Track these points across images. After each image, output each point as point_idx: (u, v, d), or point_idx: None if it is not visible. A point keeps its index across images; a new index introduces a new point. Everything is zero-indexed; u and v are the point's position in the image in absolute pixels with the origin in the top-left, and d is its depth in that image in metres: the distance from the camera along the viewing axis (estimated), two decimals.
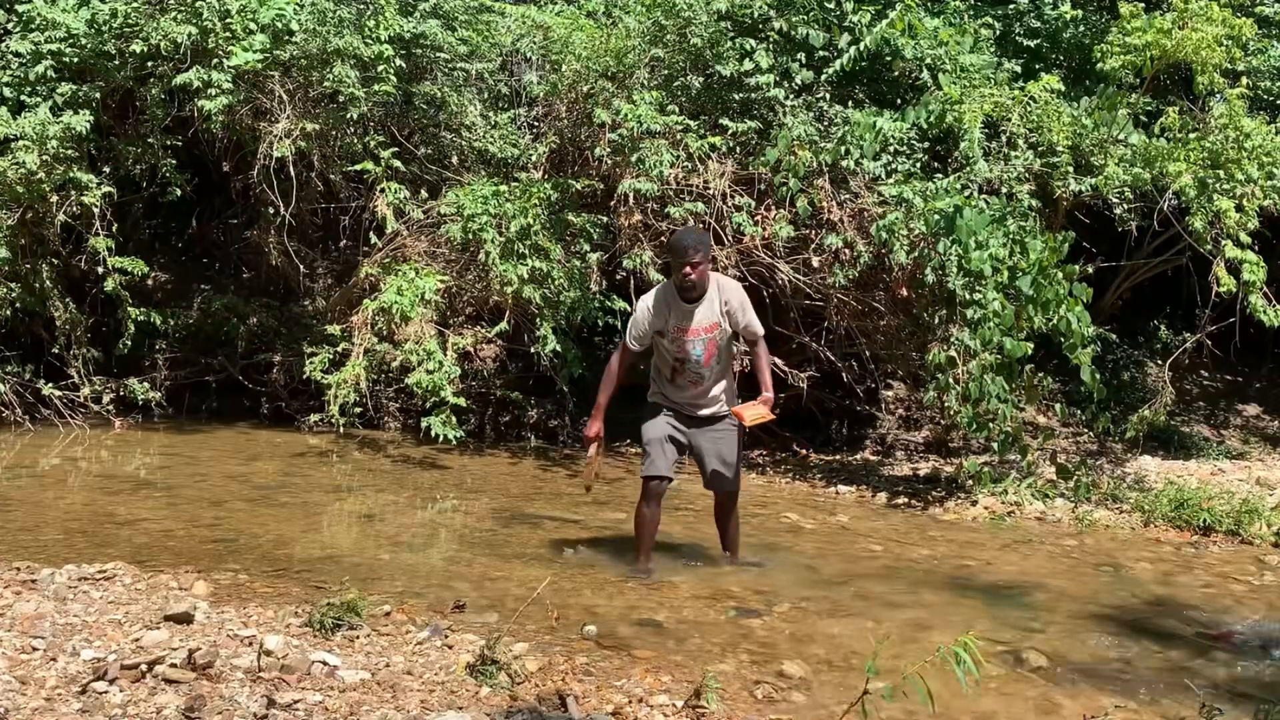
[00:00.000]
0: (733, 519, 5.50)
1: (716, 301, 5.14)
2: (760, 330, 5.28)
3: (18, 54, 8.14)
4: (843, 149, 8.04)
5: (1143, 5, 8.87)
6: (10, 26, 8.22)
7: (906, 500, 7.57)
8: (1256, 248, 8.25)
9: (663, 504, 5.28)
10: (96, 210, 8.24)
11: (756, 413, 5.13)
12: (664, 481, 5.21)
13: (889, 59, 8.64)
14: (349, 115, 8.67)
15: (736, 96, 8.61)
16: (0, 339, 8.46)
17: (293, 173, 8.68)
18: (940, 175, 8.17)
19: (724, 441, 5.30)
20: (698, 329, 5.12)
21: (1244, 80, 8.82)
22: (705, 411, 5.29)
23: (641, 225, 8.35)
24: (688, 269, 5.00)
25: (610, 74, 8.64)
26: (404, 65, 9.05)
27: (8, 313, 8.30)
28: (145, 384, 8.70)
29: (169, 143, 8.68)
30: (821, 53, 8.60)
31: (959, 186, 7.82)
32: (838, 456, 9.17)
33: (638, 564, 5.24)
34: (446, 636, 3.82)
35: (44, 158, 7.87)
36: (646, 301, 5.24)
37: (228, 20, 8.14)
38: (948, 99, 8.11)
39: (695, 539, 5.98)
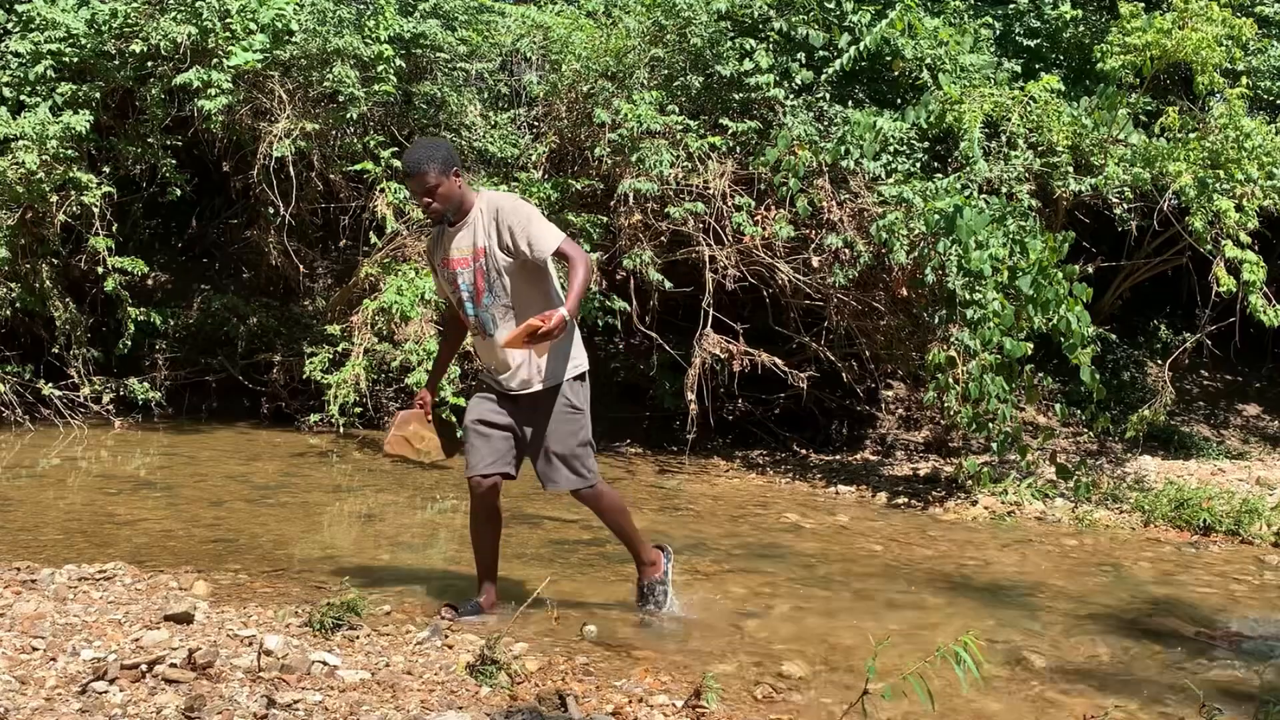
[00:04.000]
0: (606, 519, 4.39)
1: (482, 221, 4.04)
2: (552, 244, 3.95)
3: (17, 54, 8.14)
4: (842, 149, 8.05)
5: (1143, 5, 8.88)
6: (10, 26, 8.22)
7: (906, 500, 7.57)
8: (1256, 248, 8.26)
9: (499, 507, 4.31)
10: (96, 210, 8.24)
11: (526, 328, 3.78)
12: (487, 480, 4.17)
13: (889, 59, 8.64)
14: (349, 115, 8.68)
15: (736, 96, 8.61)
16: (0, 339, 8.46)
17: (292, 172, 8.69)
18: (940, 175, 8.18)
19: (555, 424, 4.12)
20: (462, 258, 4.05)
21: (1244, 80, 8.83)
22: (514, 383, 4.12)
23: (641, 225, 8.35)
24: (424, 197, 4.00)
25: (610, 74, 8.64)
26: (404, 65, 9.05)
27: (8, 312, 8.31)
28: (145, 384, 8.70)
29: (169, 142, 8.68)
30: (821, 53, 8.61)
31: (959, 186, 7.83)
32: (838, 456, 9.17)
33: (478, 595, 4.30)
34: (446, 636, 3.82)
35: (44, 158, 7.87)
36: (428, 236, 4.42)
37: (227, 20, 8.14)
38: (948, 99, 8.12)
39: (695, 538, 5.98)
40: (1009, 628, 4.67)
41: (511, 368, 4.10)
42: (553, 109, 9.19)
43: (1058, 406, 8.39)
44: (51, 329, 8.59)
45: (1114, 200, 8.77)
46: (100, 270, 8.30)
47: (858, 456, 9.19)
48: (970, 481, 7.64)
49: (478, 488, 4.18)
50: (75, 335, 8.55)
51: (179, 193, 8.77)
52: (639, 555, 4.42)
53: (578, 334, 4.20)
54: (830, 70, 8.46)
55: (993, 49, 9.01)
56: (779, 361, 8.46)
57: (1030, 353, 7.41)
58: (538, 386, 4.10)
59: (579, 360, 4.18)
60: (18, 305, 8.33)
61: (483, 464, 4.14)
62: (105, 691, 2.95)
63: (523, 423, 4.16)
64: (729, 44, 8.48)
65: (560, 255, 3.99)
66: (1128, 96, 8.65)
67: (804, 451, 9.23)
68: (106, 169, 8.65)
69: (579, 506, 6.51)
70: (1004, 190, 8.14)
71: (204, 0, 8.06)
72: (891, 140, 8.20)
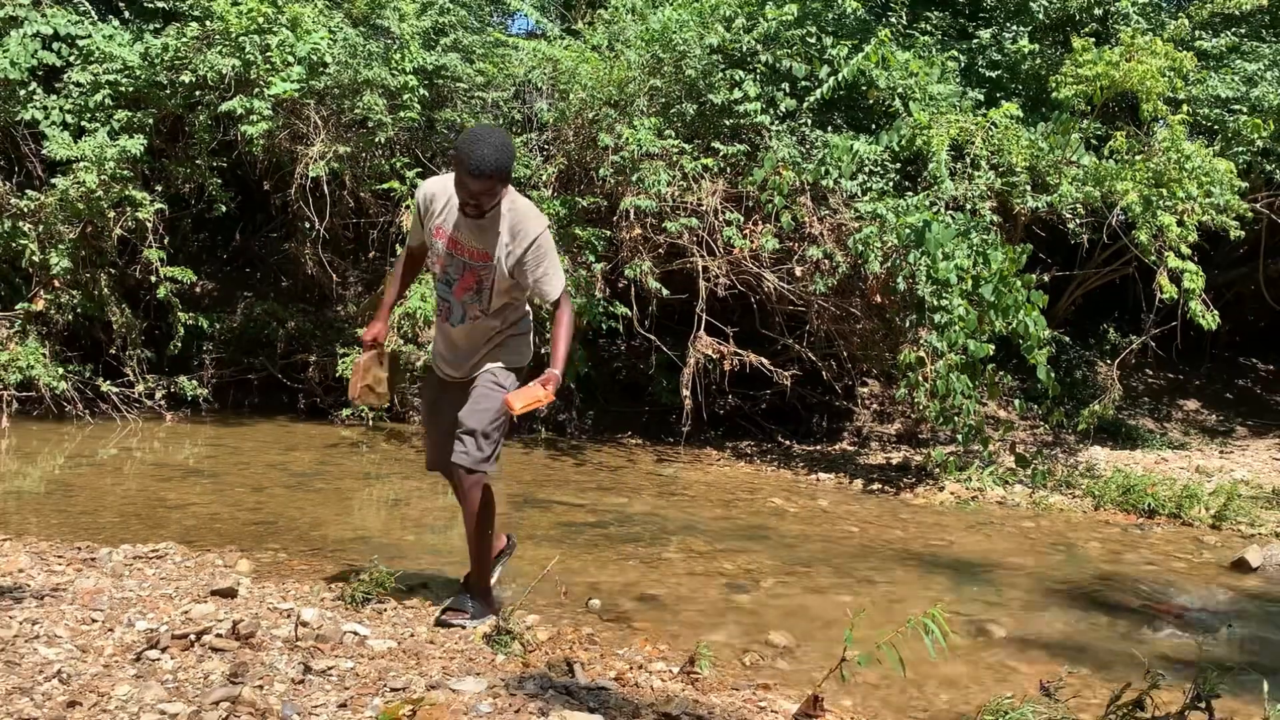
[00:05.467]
0: (467, 512, 3.65)
1: (503, 229, 3.46)
2: (556, 292, 3.52)
3: (78, 84, 8.14)
4: (823, 169, 8.05)
5: (1093, 40, 8.87)
6: (71, 59, 8.22)
7: (880, 486, 7.56)
8: (1196, 259, 8.25)
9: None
10: (150, 225, 8.24)
11: (530, 396, 3.42)
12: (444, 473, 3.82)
13: (864, 88, 8.64)
14: (377, 139, 8.68)
15: (727, 122, 8.61)
16: (63, 341, 8.47)
17: (326, 191, 8.69)
18: (911, 193, 8.17)
19: (474, 399, 3.59)
20: (467, 248, 3.52)
21: (1185, 107, 8.82)
22: (459, 374, 3.71)
23: (641, 238, 8.35)
24: (473, 195, 3.33)
25: (613, 102, 8.64)
26: (427, 94, 9.04)
27: (70, 317, 8.32)
28: (194, 381, 8.70)
29: (215, 164, 8.68)
30: (803, 83, 8.60)
31: (928, 203, 7.82)
32: (818, 447, 9.17)
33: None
34: None
35: (102, 178, 7.87)
36: (428, 184, 3.62)
37: (268, 53, 8.14)
38: (918, 124, 8.11)
39: (689, 521, 5.98)
40: (973, 601, 4.67)
41: (463, 359, 3.68)
42: (561, 134, 9.18)
43: (1017, 402, 8.39)
44: (109, 332, 8.59)
45: (1068, 216, 8.76)
46: (153, 279, 8.30)
47: (836, 447, 9.18)
48: (938, 470, 7.63)
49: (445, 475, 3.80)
50: (131, 338, 8.55)
51: (224, 209, 8.77)
52: (482, 572, 3.77)
53: (530, 337, 3.80)
54: (811, 98, 8.45)
55: (958, 79, 9.01)
56: (765, 361, 8.45)
57: (992, 353, 7.40)
58: (471, 375, 3.69)
59: (523, 358, 3.74)
60: (79, 311, 8.33)
61: (441, 462, 3.77)
62: (158, 659, 2.95)
63: (458, 403, 3.65)
64: (720, 75, 8.47)
65: (555, 305, 3.57)
66: (1080, 122, 8.64)
67: (788, 442, 9.22)
68: (159, 188, 8.64)
69: (586, 492, 6.53)
70: (968, 207, 8.14)
71: (246, 35, 8.06)
72: (867, 162, 8.20)
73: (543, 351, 4.31)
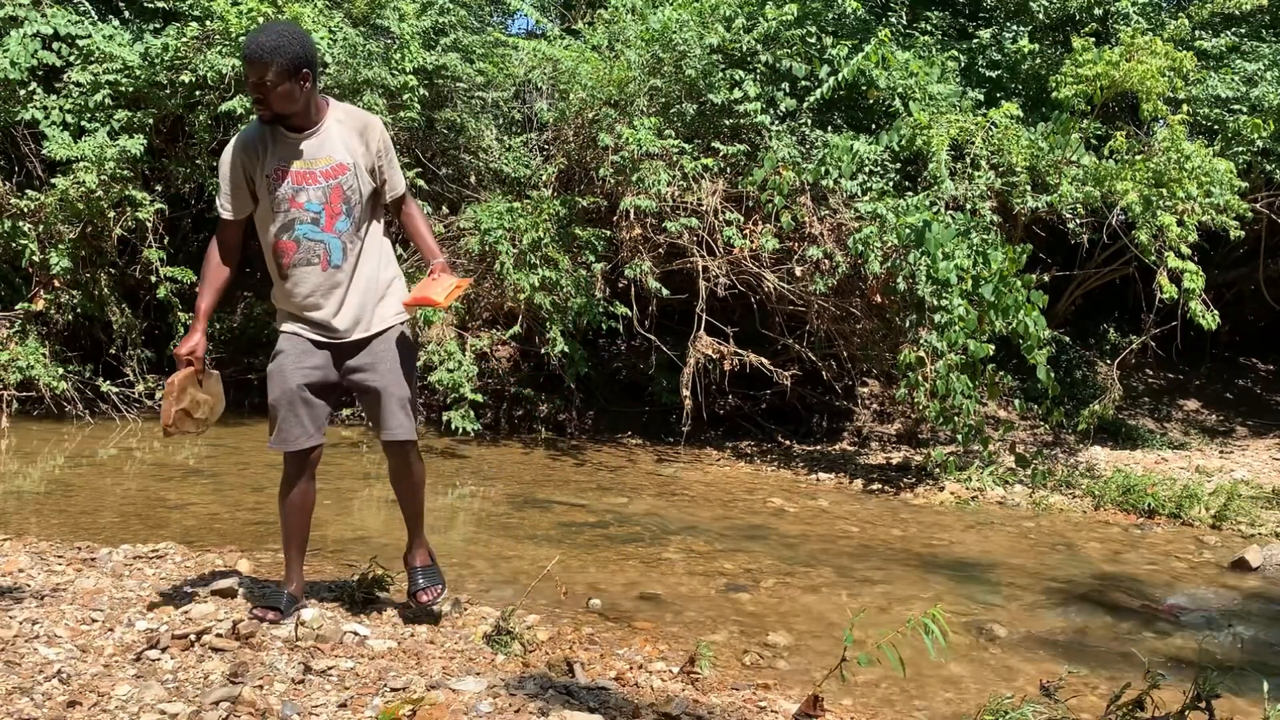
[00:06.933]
0: (412, 482, 3.48)
1: (344, 133, 3.22)
2: (403, 185, 3.39)
3: (78, 84, 8.14)
4: (823, 169, 8.05)
5: (1093, 40, 8.88)
6: (72, 59, 8.22)
7: (880, 486, 7.56)
8: (1195, 259, 8.25)
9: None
10: (149, 225, 8.24)
11: (445, 285, 3.24)
12: (305, 454, 3.37)
13: (864, 88, 8.64)
14: None
15: (727, 122, 8.61)
16: (63, 341, 8.47)
17: None
18: (910, 193, 8.17)
19: (392, 365, 3.30)
20: (312, 172, 3.17)
21: (1184, 107, 8.83)
22: (343, 324, 3.28)
23: (641, 238, 8.35)
24: (255, 89, 3.07)
25: (613, 102, 8.64)
26: (427, 94, 9.04)
27: (70, 317, 8.32)
28: None
29: (215, 164, 8.66)
30: (803, 82, 8.61)
31: (928, 203, 7.82)
32: (818, 447, 9.17)
33: (284, 582, 3.49)
34: (465, 610, 3.82)
35: (102, 178, 7.87)
36: (238, 138, 3.24)
37: None
38: (917, 124, 8.11)
39: (689, 520, 5.98)
40: (973, 601, 4.67)
41: (353, 310, 3.26)
42: (561, 133, 9.19)
43: (1017, 402, 8.39)
44: (109, 332, 8.59)
45: (1067, 216, 8.77)
46: (153, 279, 8.30)
47: (836, 447, 9.18)
48: (938, 470, 7.63)
49: (303, 458, 3.37)
50: (131, 338, 8.55)
51: None
52: (421, 534, 3.62)
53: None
54: (812, 98, 8.46)
55: (958, 79, 9.01)
56: (765, 361, 8.45)
57: (992, 353, 7.40)
58: (373, 329, 3.31)
59: (402, 299, 3.39)
60: (79, 310, 8.33)
61: (306, 438, 3.33)
62: (158, 659, 2.95)
63: (344, 372, 3.33)
64: (720, 75, 8.47)
65: (401, 200, 3.38)
66: (1080, 122, 8.64)
67: (788, 442, 9.22)
68: (159, 188, 8.64)
69: (585, 492, 6.52)
70: (968, 207, 8.14)
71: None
72: (867, 161, 8.20)
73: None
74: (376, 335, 3.32)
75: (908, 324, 7.84)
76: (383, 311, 3.33)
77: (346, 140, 3.22)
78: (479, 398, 8.16)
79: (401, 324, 3.37)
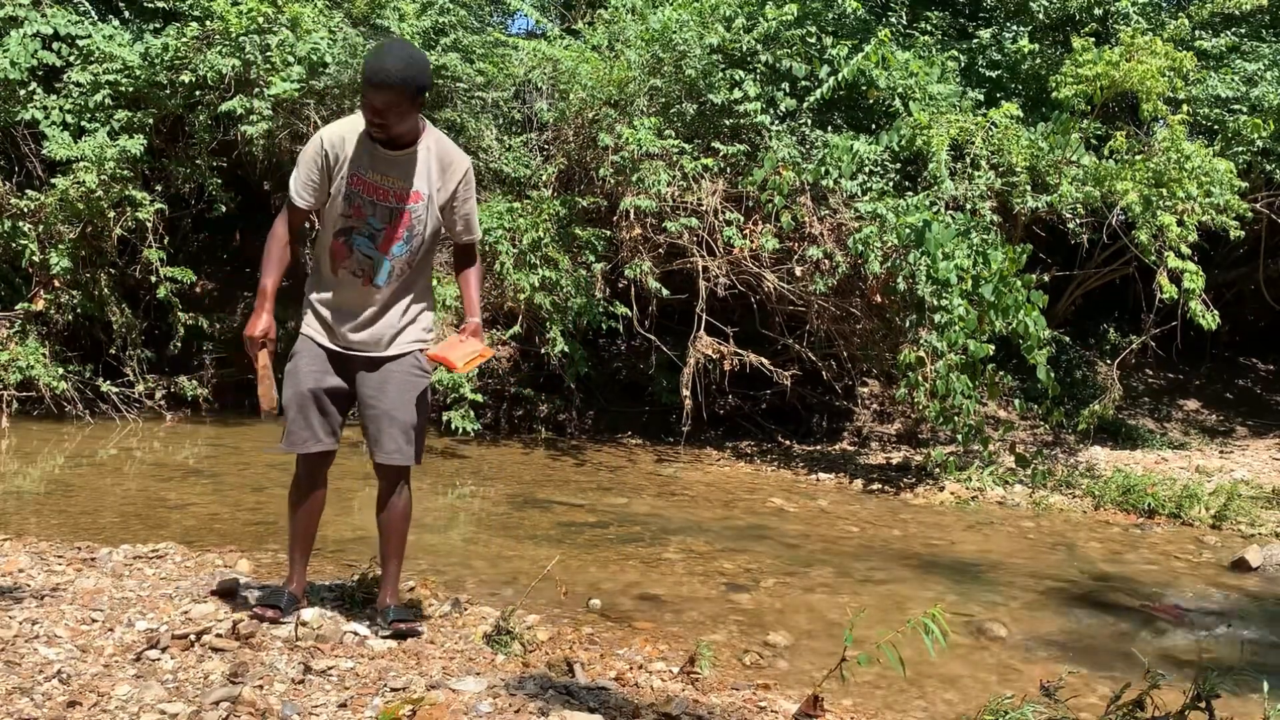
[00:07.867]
0: (396, 513, 3.36)
1: (430, 163, 3.17)
2: (478, 234, 3.37)
3: (78, 84, 8.14)
4: (823, 169, 8.05)
5: (1093, 40, 8.88)
6: (71, 59, 8.22)
7: (880, 486, 7.56)
8: (1195, 259, 8.25)
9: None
10: (150, 225, 8.24)
11: (469, 350, 3.21)
12: (319, 458, 3.31)
13: (864, 88, 8.65)
14: None
15: (727, 122, 8.61)
16: (63, 341, 8.47)
17: None
18: (910, 193, 8.18)
19: (401, 389, 3.23)
20: (387, 190, 3.14)
21: (1184, 107, 8.83)
22: (361, 336, 3.23)
23: (641, 238, 8.35)
24: (376, 112, 3.00)
25: (613, 102, 8.64)
26: (427, 94, 9.04)
27: (70, 317, 8.32)
28: (194, 381, 8.71)
29: (215, 164, 8.67)
30: (803, 83, 8.61)
31: (928, 203, 7.82)
32: (818, 447, 9.17)
33: (285, 581, 3.47)
34: (465, 610, 3.82)
35: (102, 178, 7.87)
36: (330, 130, 3.17)
37: (267, 53, 8.14)
38: (917, 124, 8.11)
39: (690, 521, 5.98)
40: (973, 601, 4.67)
41: (381, 329, 3.22)
42: (561, 133, 9.19)
43: (1016, 402, 8.39)
44: (109, 332, 8.59)
45: (1067, 216, 8.77)
46: (153, 279, 8.30)
47: (836, 447, 9.18)
48: (938, 469, 7.63)
49: (313, 462, 3.32)
50: (131, 338, 8.55)
51: (224, 209, 8.76)
52: (397, 578, 3.45)
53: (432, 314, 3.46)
54: (812, 98, 8.46)
55: (958, 79, 9.01)
56: (765, 361, 8.45)
57: (992, 353, 7.40)
58: (390, 352, 3.26)
59: (429, 333, 3.35)
60: (79, 311, 8.33)
61: (314, 442, 3.26)
62: (158, 659, 2.95)
63: (354, 385, 3.28)
64: (720, 75, 8.47)
65: (468, 247, 3.35)
66: (1080, 122, 8.64)
67: (788, 442, 9.22)
68: (159, 188, 8.64)
69: (585, 492, 6.52)
70: (968, 207, 8.14)
71: (246, 35, 8.06)
72: (867, 161, 8.20)
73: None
74: (392, 359, 3.27)
75: (908, 324, 7.84)
76: (403, 337, 3.28)
77: (429, 170, 3.17)
78: (479, 398, 8.16)
79: (419, 350, 3.30)
